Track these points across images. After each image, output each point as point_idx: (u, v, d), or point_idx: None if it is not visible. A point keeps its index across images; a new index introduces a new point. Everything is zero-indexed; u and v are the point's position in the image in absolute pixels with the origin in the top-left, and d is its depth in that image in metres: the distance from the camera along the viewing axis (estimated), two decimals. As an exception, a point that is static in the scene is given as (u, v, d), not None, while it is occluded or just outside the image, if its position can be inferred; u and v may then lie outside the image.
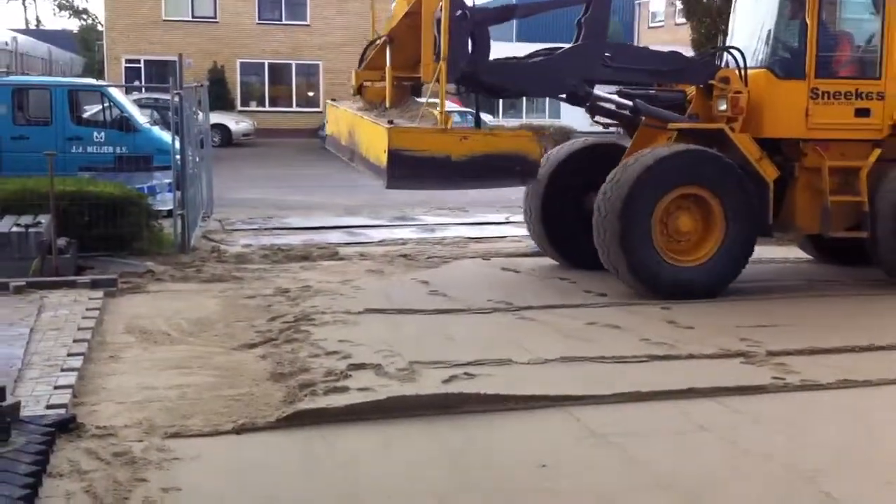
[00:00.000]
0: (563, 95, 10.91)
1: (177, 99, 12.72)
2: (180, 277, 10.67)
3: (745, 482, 5.38)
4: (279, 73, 38.51)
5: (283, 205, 17.23)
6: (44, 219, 11.07)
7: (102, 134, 16.41)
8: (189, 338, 8.19)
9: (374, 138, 9.34)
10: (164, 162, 15.01)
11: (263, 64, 38.06)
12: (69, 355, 7.37)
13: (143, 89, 30.19)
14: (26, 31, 58.36)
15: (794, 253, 12.54)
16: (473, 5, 9.99)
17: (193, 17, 37.33)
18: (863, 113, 10.48)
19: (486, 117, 25.43)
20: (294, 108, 38.14)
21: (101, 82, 23.20)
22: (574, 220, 11.03)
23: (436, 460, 5.64)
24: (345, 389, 6.66)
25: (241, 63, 37.86)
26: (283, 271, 11.14)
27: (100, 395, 6.63)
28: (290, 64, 38.15)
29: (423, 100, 9.74)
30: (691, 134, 10.34)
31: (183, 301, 9.48)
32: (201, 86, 17.09)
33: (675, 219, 9.99)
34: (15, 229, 10.62)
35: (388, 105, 10.15)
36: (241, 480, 5.31)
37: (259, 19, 37.79)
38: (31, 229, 10.61)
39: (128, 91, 24.64)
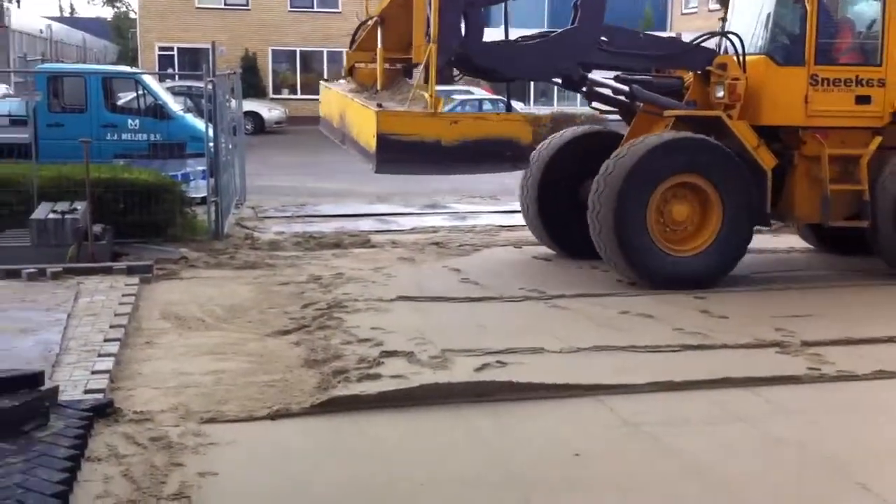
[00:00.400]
0: (559, 80, 10.81)
1: (210, 86, 12.80)
2: (214, 264, 10.75)
3: (778, 472, 5.36)
4: (310, 61, 38.60)
5: (316, 192, 17.28)
6: (80, 205, 11.18)
7: (137, 121, 16.52)
8: (223, 324, 8.26)
9: (363, 121, 9.22)
10: (197, 149, 15.10)
11: (295, 52, 38.18)
12: (106, 341, 7.46)
13: (177, 77, 30.38)
14: (61, 19, 58.87)
15: (799, 242, 12.41)
16: None
17: (226, 4, 37.51)
18: (863, 100, 10.29)
19: (516, 105, 25.32)
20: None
21: (135, 70, 23.37)
22: (569, 209, 10.92)
23: (468, 448, 5.65)
24: (377, 377, 6.69)
25: (273, 51, 38.00)
26: (316, 258, 11.19)
27: (136, 381, 6.71)
28: (322, 51, 38.21)
29: (414, 81, 9.58)
30: (688, 121, 10.19)
31: (216, 287, 9.56)
32: (234, 73, 17.17)
33: (672, 208, 9.83)
34: (52, 216, 10.74)
35: (379, 87, 9.97)
36: (275, 466, 5.36)
37: (291, 7, 37.91)
38: (67, 216, 10.73)
39: (161, 79, 24.79)
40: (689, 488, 5.11)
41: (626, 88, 10.50)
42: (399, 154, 8.73)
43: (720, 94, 10.16)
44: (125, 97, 17.70)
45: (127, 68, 25.47)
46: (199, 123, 16.32)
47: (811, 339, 7.87)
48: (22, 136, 14.70)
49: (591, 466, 5.39)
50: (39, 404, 5.51)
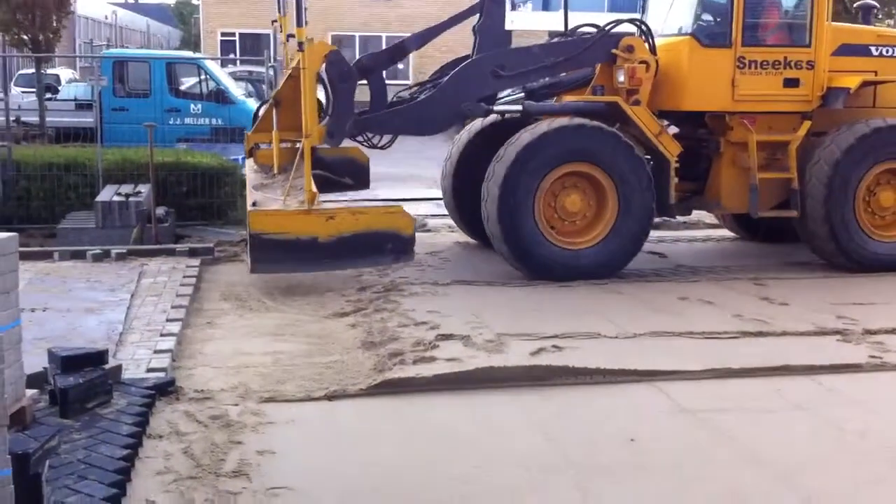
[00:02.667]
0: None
1: (271, 72, 12.91)
2: (273, 247, 10.84)
3: (838, 461, 5.28)
4: (370, 47, 38.66)
5: (374, 176, 17.22)
6: (143, 188, 11.39)
7: (199, 106, 16.74)
8: (282, 306, 8.36)
9: (246, 217, 9.03)
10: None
11: (354, 37, 38.30)
12: (168, 321, 7.60)
13: (238, 62, 30.69)
14: (125, 5, 59.72)
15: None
16: (363, 55, 9.91)
17: (286, -10, 37.67)
18: (792, 83, 9.82)
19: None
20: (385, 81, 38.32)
21: (197, 55, 23.61)
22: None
23: (523, 431, 5.66)
24: (433, 359, 6.72)
25: (333, 36, 38.12)
26: (373, 242, 11.21)
27: (197, 360, 6.83)
28: (381, 37, 38.23)
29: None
30: (588, 112, 9.68)
31: (276, 270, 9.64)
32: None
33: (564, 198, 9.38)
34: (116, 198, 10.96)
35: (276, 170, 9.95)
36: (332, 445, 5.42)
37: (351, -7, 38.03)
38: (131, 198, 10.94)
39: (223, 64, 25.06)
40: (746, 475, 5.06)
41: (520, 107, 9.98)
42: (274, 254, 8.49)
43: (621, 78, 9.72)
44: (188, 82, 17.94)
45: (190, 54, 25.76)
46: (260, 108, 16.48)
47: (873, 328, 7.72)
48: (87, 120, 15.02)
49: (646, 451, 5.36)
50: (103, 382, 5.63)
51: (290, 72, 10.12)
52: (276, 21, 10.92)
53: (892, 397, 6.35)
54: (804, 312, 8.23)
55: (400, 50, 10.63)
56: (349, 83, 9.36)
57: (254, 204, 8.97)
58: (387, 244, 8.73)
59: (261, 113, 10.94)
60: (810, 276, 9.79)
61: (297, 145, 9.55)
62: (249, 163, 10.95)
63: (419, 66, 31.35)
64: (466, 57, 10.19)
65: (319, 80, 9.20)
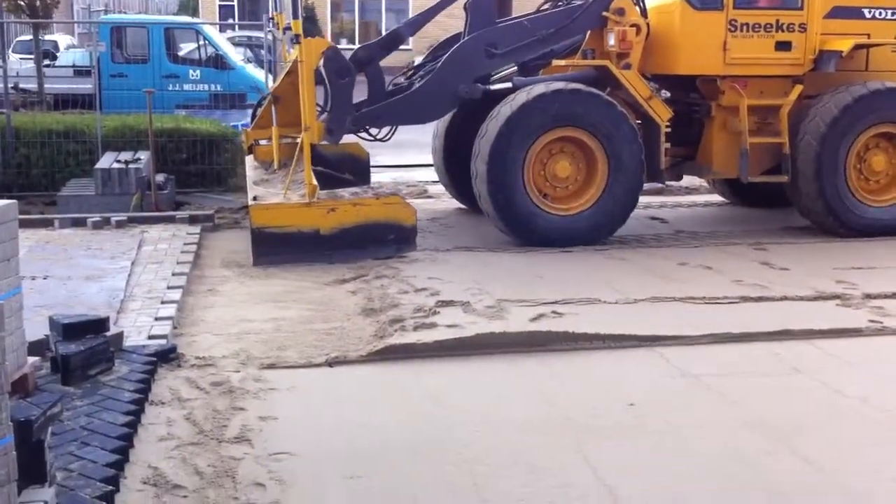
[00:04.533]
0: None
1: (270, 37, 12.84)
2: (274, 214, 10.84)
3: (838, 425, 5.31)
4: (369, 10, 38.42)
5: (374, 142, 17.25)
6: (143, 155, 11.36)
7: (198, 72, 16.67)
8: (282, 273, 8.36)
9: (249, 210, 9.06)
10: (257, 99, 15.19)
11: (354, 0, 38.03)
12: (169, 288, 7.62)
13: (237, 27, 30.51)
14: (123, -30, 59.18)
15: None
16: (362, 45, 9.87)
17: (285, -47, 37.36)
18: (784, 46, 9.77)
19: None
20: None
21: (196, 20, 23.46)
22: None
23: (523, 395, 5.69)
24: (433, 326, 6.74)
25: (332, 1, 37.87)
26: (374, 208, 11.21)
27: (199, 327, 6.85)
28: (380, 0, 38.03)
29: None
30: (579, 77, 9.64)
31: (276, 237, 9.64)
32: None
33: (554, 163, 9.36)
34: (116, 165, 10.94)
35: (276, 166, 9.99)
36: (333, 411, 5.45)
37: (350, -46, 37.73)
38: (131, 165, 10.91)
39: (222, 29, 24.91)
40: (746, 438, 5.09)
41: (510, 84, 9.91)
42: (275, 247, 8.54)
43: (611, 42, 9.66)
44: (186, 48, 17.84)
45: (188, 19, 25.60)
46: (260, 74, 16.41)
47: (873, 292, 7.73)
48: (86, 86, 14.95)
49: (646, 415, 5.39)
50: (104, 349, 5.65)
51: (288, 68, 10.10)
52: (272, 18, 10.88)
53: (892, 361, 6.37)
54: (804, 277, 8.24)
55: (394, 38, 10.62)
56: (347, 79, 9.33)
57: (255, 198, 9.01)
58: (389, 235, 8.79)
59: (259, 110, 10.96)
60: (811, 241, 9.79)
61: (297, 140, 9.59)
62: (249, 159, 10.99)
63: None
64: (458, 36, 10.15)
65: (317, 76, 9.15)
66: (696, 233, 10.20)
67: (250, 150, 10.99)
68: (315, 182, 8.72)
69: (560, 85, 9.35)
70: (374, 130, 10.19)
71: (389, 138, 10.51)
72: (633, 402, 5.57)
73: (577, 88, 9.29)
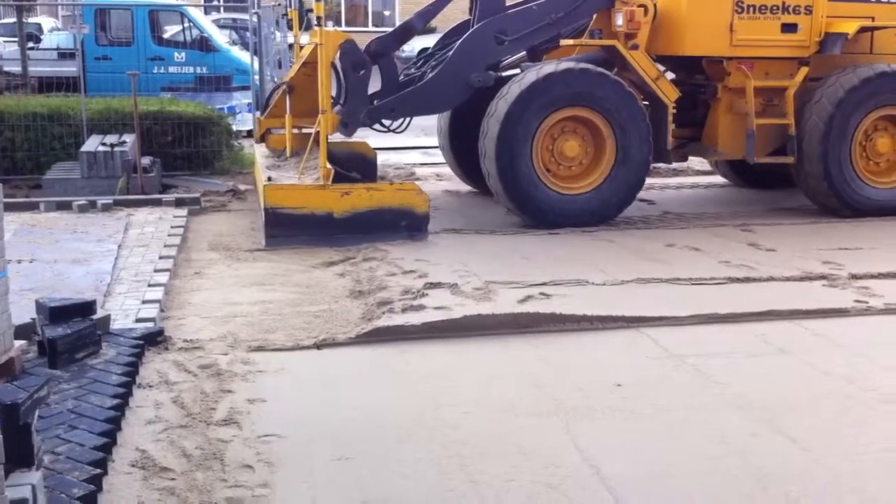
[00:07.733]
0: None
1: (255, 19, 12.77)
2: (260, 196, 10.83)
3: (823, 405, 5.33)
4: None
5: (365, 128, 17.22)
6: (128, 138, 11.31)
7: (183, 54, 16.57)
8: (270, 255, 8.35)
9: (260, 192, 9.10)
10: (243, 82, 15.15)
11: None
12: (156, 271, 7.60)
13: (222, 9, 30.30)
14: (107, -48, 58.78)
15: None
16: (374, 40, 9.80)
17: (270, -66, 37.12)
18: (790, 28, 9.84)
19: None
20: (369, 28, 37.94)
21: (180, 2, 23.32)
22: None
23: (511, 377, 5.70)
24: (421, 308, 6.74)
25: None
26: (361, 191, 11.19)
27: (186, 310, 6.84)
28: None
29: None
30: (587, 58, 9.70)
31: (263, 220, 9.63)
32: (279, 5, 17.09)
33: (563, 143, 9.41)
34: (101, 148, 10.89)
35: (288, 154, 10.02)
36: (321, 393, 5.45)
37: (336, -65, 37.46)
38: (116, 148, 10.86)
39: (207, 11, 24.76)
40: (733, 418, 5.12)
41: (518, 71, 9.94)
42: (288, 228, 8.58)
43: (619, 22, 9.71)
44: (171, 30, 17.73)
45: (172, 1, 25.44)
46: (245, 56, 16.33)
47: (859, 272, 7.77)
48: (70, 69, 14.85)
49: (633, 396, 5.41)
50: (91, 333, 5.64)
51: (304, 58, 10.07)
52: (286, 14, 10.83)
53: (877, 341, 6.41)
54: (791, 258, 8.28)
55: (407, 30, 10.55)
56: (363, 73, 9.28)
57: (269, 179, 9.01)
58: (401, 221, 8.81)
59: (273, 99, 10.94)
60: (798, 222, 9.84)
61: (308, 132, 9.64)
62: (261, 147, 10.96)
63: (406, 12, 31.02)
64: (467, 24, 10.15)
65: (333, 69, 9.12)
66: (683, 214, 10.24)
67: (263, 138, 10.97)
68: (330, 166, 8.71)
69: (569, 64, 9.40)
70: (387, 122, 10.18)
71: (404, 129, 10.51)
72: (620, 382, 5.59)
73: (586, 68, 9.34)
